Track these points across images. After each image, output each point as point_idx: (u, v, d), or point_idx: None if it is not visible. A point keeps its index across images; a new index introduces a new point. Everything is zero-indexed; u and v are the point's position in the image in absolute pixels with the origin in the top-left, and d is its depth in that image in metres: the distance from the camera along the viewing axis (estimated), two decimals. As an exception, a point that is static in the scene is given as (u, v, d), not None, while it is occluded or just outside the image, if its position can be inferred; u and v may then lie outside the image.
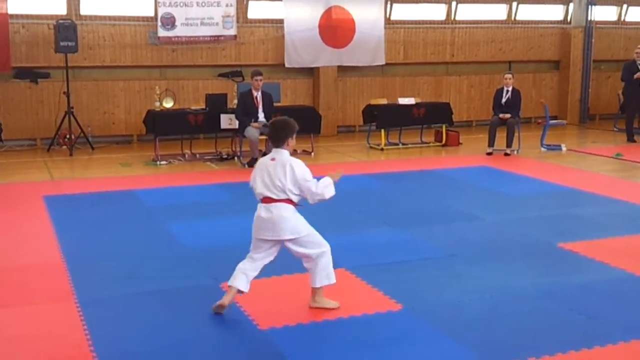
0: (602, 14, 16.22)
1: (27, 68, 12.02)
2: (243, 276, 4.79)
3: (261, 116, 10.47)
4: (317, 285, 4.84)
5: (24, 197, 8.38)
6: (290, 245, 4.75)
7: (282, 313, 4.80)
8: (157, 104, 11.09)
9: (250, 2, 13.31)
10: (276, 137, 4.75)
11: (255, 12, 13.46)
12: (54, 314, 4.85)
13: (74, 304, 4.98)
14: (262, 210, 4.71)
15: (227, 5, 12.75)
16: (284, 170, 4.64)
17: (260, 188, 4.71)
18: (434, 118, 12.61)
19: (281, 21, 13.27)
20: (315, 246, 4.76)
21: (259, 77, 10.42)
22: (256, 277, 5.46)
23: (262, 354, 4.24)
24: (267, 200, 4.69)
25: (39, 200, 8.17)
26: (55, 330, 4.57)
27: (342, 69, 13.89)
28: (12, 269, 5.83)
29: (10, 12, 11.55)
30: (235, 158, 10.99)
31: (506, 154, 11.39)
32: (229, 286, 4.83)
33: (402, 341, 4.40)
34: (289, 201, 4.68)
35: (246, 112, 10.42)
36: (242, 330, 4.56)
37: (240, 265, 4.84)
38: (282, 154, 4.70)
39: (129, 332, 4.53)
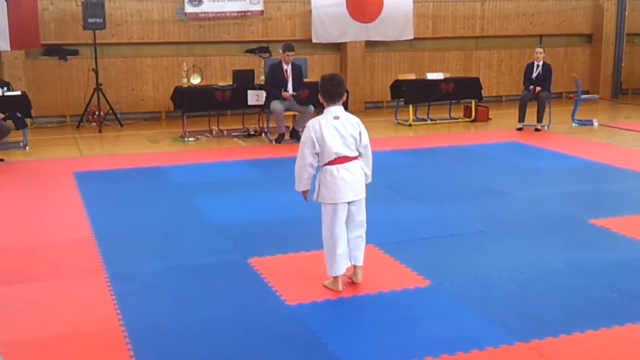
0: (637, -15, 15.85)
1: (56, 45, 12.10)
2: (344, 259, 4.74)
3: (290, 90, 10.38)
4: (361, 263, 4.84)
5: (55, 174, 8.47)
6: (358, 206, 4.72)
7: (310, 289, 4.79)
8: (185, 80, 11.10)
9: (277, -23, 13.23)
10: (337, 93, 4.67)
11: (282, -13, 13.37)
12: (85, 289, 4.90)
13: (104, 279, 5.03)
14: (341, 171, 4.60)
15: (253, -19, 12.69)
16: (353, 126, 4.66)
17: (337, 147, 4.57)
18: (463, 93, 12.45)
19: (308, -4, 13.18)
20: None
21: (291, 53, 10.20)
22: (284, 253, 5.51)
23: (290, 329, 4.24)
24: (343, 159, 4.61)
25: (69, 176, 8.25)
26: (86, 305, 4.61)
27: (369, 44, 13.76)
28: (44, 244, 5.91)
29: (39, -11, 11.62)
30: (263, 134, 10.98)
31: (536, 130, 11.23)
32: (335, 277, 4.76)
33: (430, 318, 4.37)
34: (357, 157, 4.71)
35: (275, 85, 10.31)
36: (270, 305, 4.56)
37: (338, 252, 4.69)
38: (343, 110, 4.70)
39: (158, 307, 4.56)
